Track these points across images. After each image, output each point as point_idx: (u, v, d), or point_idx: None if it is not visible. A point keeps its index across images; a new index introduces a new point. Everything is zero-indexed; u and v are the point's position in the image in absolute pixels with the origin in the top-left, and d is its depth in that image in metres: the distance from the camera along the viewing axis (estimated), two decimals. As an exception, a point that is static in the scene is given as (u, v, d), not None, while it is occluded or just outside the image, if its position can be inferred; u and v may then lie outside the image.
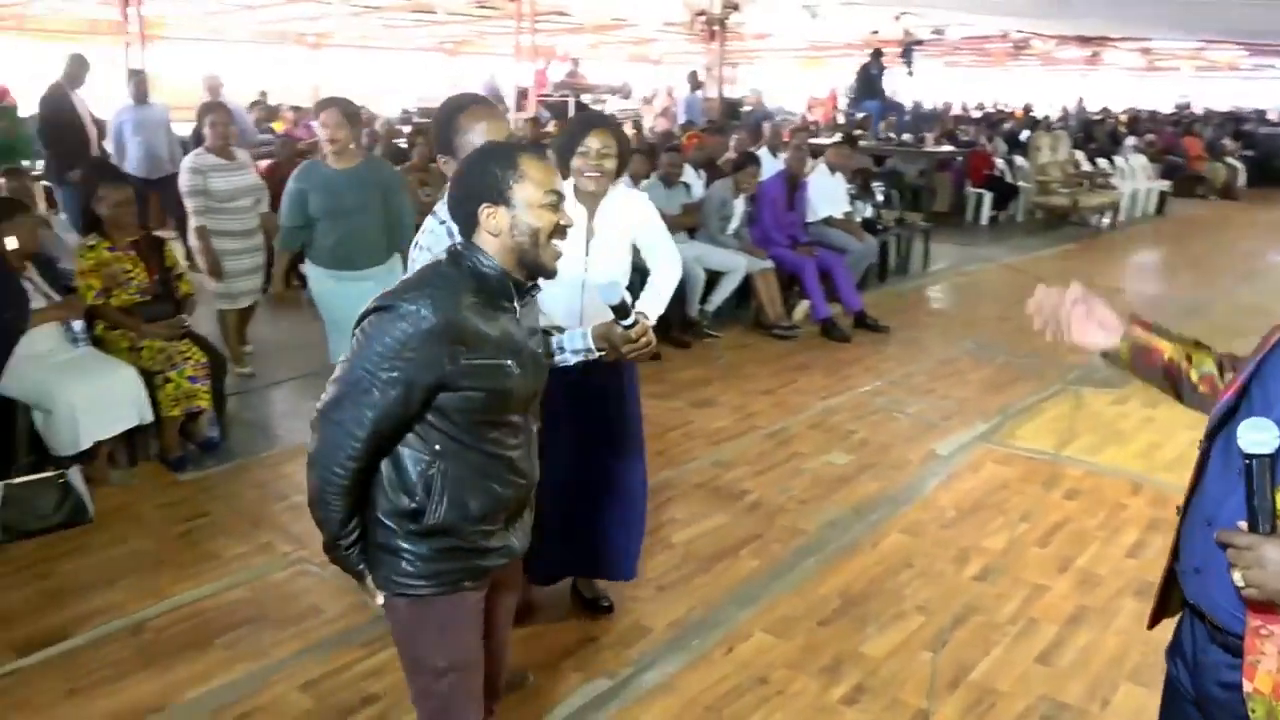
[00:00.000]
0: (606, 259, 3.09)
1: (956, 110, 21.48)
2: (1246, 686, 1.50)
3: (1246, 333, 1.82)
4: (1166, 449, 4.88)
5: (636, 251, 3.29)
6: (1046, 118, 18.73)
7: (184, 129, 8.05)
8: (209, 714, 2.87)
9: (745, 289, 7.15)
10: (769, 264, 7.13)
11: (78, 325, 4.33)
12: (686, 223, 7.04)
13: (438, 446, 1.88)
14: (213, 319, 5.77)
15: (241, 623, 3.34)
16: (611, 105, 16.97)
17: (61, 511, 3.91)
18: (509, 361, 1.91)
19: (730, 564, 3.83)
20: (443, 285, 1.86)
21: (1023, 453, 5.00)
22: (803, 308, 7.43)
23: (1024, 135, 14.17)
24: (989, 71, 27.00)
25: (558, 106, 14.81)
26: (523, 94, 13.73)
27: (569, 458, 3.13)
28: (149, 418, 4.35)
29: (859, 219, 8.36)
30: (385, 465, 1.91)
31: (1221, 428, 1.58)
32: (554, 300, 2.92)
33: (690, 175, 7.57)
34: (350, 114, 4.65)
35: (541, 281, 2.03)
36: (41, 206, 7.85)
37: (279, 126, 11.44)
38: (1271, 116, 21.95)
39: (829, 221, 7.86)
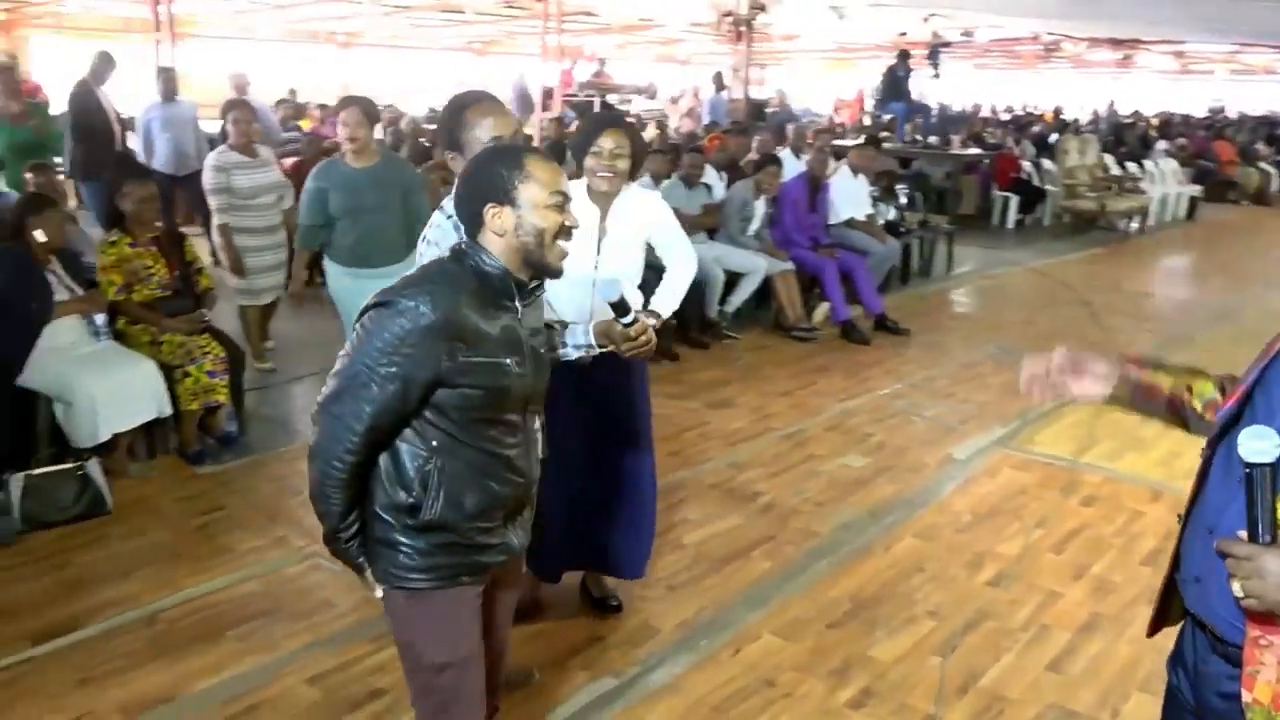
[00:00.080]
0: (618, 258, 3.09)
1: (985, 113, 21.33)
2: (1245, 697, 1.47)
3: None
4: (1187, 457, 4.76)
5: (651, 250, 3.30)
6: (1076, 121, 18.58)
7: (212, 126, 8.14)
8: (218, 705, 2.89)
9: (765, 291, 7.14)
10: (789, 265, 7.10)
11: (100, 319, 4.38)
12: (707, 223, 7.02)
13: (435, 442, 1.90)
14: (233, 314, 5.82)
15: (254, 615, 3.37)
16: (637, 105, 16.97)
17: (81, 503, 3.96)
18: (508, 360, 1.91)
19: (741, 565, 3.82)
20: (443, 282, 1.87)
21: (1041, 458, 4.95)
22: (823, 310, 7.40)
23: (1053, 138, 14.05)
24: (1019, 74, 26.78)
25: (583, 106, 14.82)
26: (548, 94, 13.77)
27: (578, 457, 3.14)
28: (168, 411, 4.39)
29: (882, 221, 8.32)
30: (384, 459, 1.92)
31: (1224, 435, 1.56)
32: (564, 299, 2.94)
33: (711, 176, 7.56)
34: (370, 113, 4.68)
35: (552, 280, 2.04)
36: (72, 202, 7.98)
37: (306, 124, 11.53)
38: (1307, 121, 21.64)
39: (851, 223, 7.82)
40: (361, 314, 1.89)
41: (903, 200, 9.11)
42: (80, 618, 3.31)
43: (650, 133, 12.06)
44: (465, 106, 2.50)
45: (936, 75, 14.78)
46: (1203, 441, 1.65)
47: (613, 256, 3.08)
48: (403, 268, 4.70)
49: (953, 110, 19.14)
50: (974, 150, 12.75)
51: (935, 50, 14.74)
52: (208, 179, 5.53)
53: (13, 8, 15.46)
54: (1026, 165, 12.92)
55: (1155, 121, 20.13)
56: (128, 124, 8.01)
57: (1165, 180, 13.82)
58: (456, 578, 1.98)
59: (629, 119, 3.83)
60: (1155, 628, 1.77)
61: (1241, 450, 1.40)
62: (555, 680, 3.05)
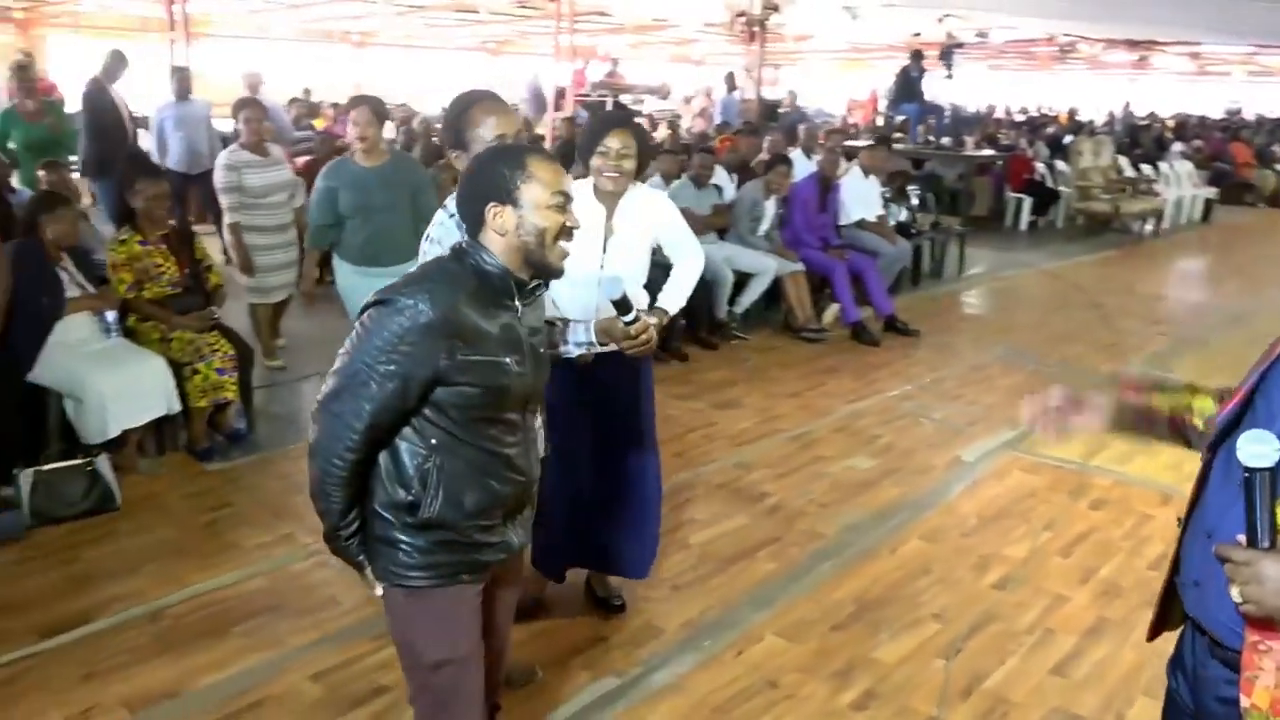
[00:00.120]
0: (624, 258, 3.09)
1: (1000, 114, 21.24)
2: (1244, 702, 1.47)
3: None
4: (1197, 460, 4.78)
5: (658, 249, 3.30)
6: (1091, 122, 18.47)
7: (226, 125, 8.17)
8: (221, 701, 2.91)
9: (775, 291, 7.12)
10: (799, 266, 7.09)
11: (110, 316, 4.41)
12: (717, 224, 7.01)
13: (434, 441, 1.90)
14: (243, 312, 5.85)
15: (259, 612, 3.38)
16: (649, 105, 16.95)
17: (89, 499, 3.98)
18: (507, 359, 1.92)
19: (746, 566, 3.81)
20: (443, 281, 1.88)
21: (1050, 461, 4.93)
22: (833, 311, 7.38)
23: (1067, 140, 13.98)
24: (1034, 75, 26.64)
25: (595, 106, 14.82)
26: (561, 94, 13.79)
27: (582, 456, 3.15)
28: (177, 408, 4.42)
29: (893, 222, 8.29)
30: (384, 458, 1.93)
31: (1224, 439, 1.55)
32: (570, 298, 2.95)
33: (721, 177, 7.55)
34: (379, 112, 4.69)
35: (557, 280, 2.04)
36: (86, 199, 8.03)
37: (319, 123, 11.57)
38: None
39: (862, 224, 7.80)
40: (361, 312, 1.89)
41: (915, 201, 9.09)
42: (87, 612, 3.33)
43: (662, 133, 12.06)
44: (470, 105, 2.51)
45: (950, 76, 14.71)
46: None
47: (619, 256, 3.08)
48: (412, 267, 4.73)
49: (966, 111, 19.07)
50: (987, 151, 12.69)
51: (949, 51, 14.68)
52: (219, 178, 5.55)
53: (30, 6, 15.58)
54: (1040, 167, 12.87)
55: (1171, 123, 20.00)
56: (140, 122, 8.04)
57: (1180, 182, 13.74)
58: (456, 576, 1.99)
59: (639, 119, 3.82)
60: (1155, 632, 1.77)
61: (1241, 454, 1.39)
62: (558, 679, 3.05)
